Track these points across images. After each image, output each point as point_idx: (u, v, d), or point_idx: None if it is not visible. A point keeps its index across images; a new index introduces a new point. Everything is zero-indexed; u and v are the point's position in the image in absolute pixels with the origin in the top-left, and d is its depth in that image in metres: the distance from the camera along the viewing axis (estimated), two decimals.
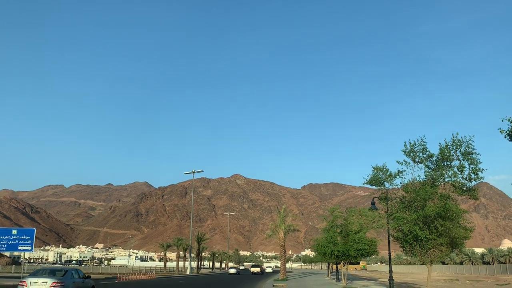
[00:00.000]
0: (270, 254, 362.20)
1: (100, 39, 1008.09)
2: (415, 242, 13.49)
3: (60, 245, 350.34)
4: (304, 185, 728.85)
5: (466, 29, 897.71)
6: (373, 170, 15.10)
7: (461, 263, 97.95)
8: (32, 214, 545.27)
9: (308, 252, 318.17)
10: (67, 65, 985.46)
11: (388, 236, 17.71)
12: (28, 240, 33.56)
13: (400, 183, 14.34)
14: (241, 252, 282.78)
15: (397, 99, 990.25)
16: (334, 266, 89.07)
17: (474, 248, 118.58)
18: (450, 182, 13.43)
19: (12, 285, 27.19)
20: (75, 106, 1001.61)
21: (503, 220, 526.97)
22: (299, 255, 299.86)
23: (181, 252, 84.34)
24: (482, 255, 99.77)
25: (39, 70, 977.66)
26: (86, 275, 20.95)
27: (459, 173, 13.14)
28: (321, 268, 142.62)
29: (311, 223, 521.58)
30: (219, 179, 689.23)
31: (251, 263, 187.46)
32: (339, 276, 34.69)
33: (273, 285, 30.34)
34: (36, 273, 18.61)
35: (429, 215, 12.70)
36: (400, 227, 13.94)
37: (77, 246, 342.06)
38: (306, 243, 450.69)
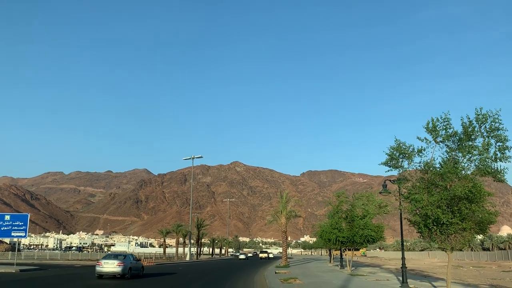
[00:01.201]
0: (269, 240, 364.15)
1: (96, 26, 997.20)
2: (435, 227, 12.25)
3: (60, 232, 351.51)
4: (303, 172, 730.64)
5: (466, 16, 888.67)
6: (390, 149, 13.75)
7: (460, 250, 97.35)
8: (32, 201, 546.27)
9: (307, 238, 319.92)
10: (66, 56, 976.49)
11: (401, 221, 16.58)
12: (21, 226, 32.44)
13: (420, 161, 13.02)
14: (241, 238, 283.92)
15: (396, 85, 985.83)
16: (337, 252, 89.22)
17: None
18: (474, 162, 12.11)
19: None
20: (74, 94, 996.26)
21: (501, 206, 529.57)
22: (298, 241, 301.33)
23: (180, 239, 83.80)
24: (482, 241, 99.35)
25: (38, 61, 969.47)
26: (137, 259, 29.59)
27: (484, 151, 11.82)
28: (321, 255, 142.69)
29: (310, 209, 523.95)
30: (218, 166, 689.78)
31: (251, 249, 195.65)
32: (343, 263, 33.80)
33: (276, 272, 29.38)
34: (106, 257, 25.70)
35: (457, 195, 11.42)
36: (418, 211, 12.69)
37: (77, 233, 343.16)
38: (305, 229, 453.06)
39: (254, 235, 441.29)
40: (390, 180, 16.94)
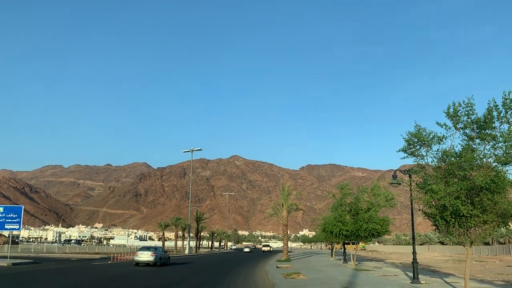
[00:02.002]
0: (268, 233, 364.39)
1: (95, 19, 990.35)
2: (453, 219, 11.25)
3: (60, 225, 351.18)
4: (303, 166, 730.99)
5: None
6: (408, 135, 12.70)
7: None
8: (31, 194, 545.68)
9: (306, 232, 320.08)
10: (65, 48, 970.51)
11: (412, 214, 15.67)
12: (15, 218, 31.46)
13: (438, 149, 11.98)
14: (240, 232, 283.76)
15: (395, 81, 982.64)
16: (339, 246, 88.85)
17: None
18: (498, 150, 11.05)
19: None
20: (73, 87, 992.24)
21: None
22: (297, 235, 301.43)
23: (180, 232, 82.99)
24: None
25: (34, 53, 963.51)
26: (165, 251, 38.29)
27: (510, 138, 10.76)
28: (321, 248, 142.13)
29: (309, 203, 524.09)
30: (218, 160, 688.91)
31: (249, 243, 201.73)
32: (346, 257, 32.89)
33: (277, 267, 28.45)
34: (142, 249, 32.10)
35: (477, 185, 10.42)
36: (434, 202, 11.70)
37: (77, 226, 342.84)
38: (304, 223, 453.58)
39: (253, 228, 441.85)
40: (401, 171, 15.98)
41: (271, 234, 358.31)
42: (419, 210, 12.69)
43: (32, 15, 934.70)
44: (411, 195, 15.81)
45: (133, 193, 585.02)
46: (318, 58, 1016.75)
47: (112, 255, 45.54)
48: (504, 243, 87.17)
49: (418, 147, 12.50)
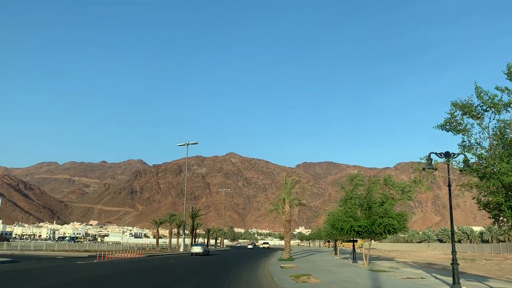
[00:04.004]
0: (264, 231, 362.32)
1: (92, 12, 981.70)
2: None
3: (54, 222, 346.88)
4: (299, 164, 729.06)
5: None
6: (452, 107, 10.04)
7: (459, 241, 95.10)
8: (26, 191, 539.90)
9: (302, 229, 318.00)
10: (62, 41, 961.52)
11: (450, 206, 13.03)
12: None
13: (494, 118, 9.30)
14: (236, 229, 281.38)
15: (389, 78, 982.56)
16: (345, 244, 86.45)
17: (472, 227, 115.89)
18: None
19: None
20: (68, 84, 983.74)
21: None
22: (293, 232, 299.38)
23: (175, 229, 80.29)
24: (481, 233, 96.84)
25: (32, 46, 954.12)
26: (207, 246, 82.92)
27: None
28: (320, 246, 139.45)
29: (305, 201, 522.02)
30: (214, 157, 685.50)
31: (246, 240, 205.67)
32: (355, 255, 30.08)
33: (281, 267, 25.63)
34: (194, 244, 55.67)
35: None
36: (497, 188, 9.01)
37: (71, 223, 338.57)
38: (300, 220, 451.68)
39: (249, 226, 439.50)
40: (436, 153, 13.27)
41: (267, 231, 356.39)
42: (474, 198, 9.96)
43: (33, 8, 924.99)
44: (449, 181, 13.11)
45: (128, 190, 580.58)
46: (314, 55, 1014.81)
47: (98, 253, 42.48)
48: (504, 241, 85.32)
49: (465, 121, 9.70)
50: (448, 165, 13.39)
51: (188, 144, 69.23)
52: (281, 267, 25.46)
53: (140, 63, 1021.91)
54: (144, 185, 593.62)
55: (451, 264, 13.32)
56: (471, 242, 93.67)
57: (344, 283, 15.66)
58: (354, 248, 31.16)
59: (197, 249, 50.21)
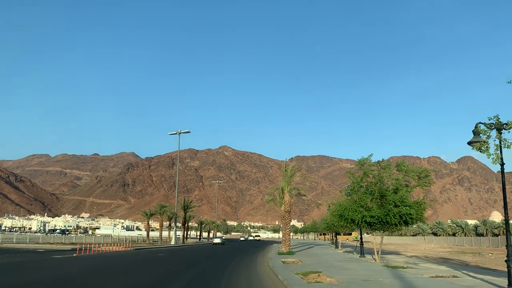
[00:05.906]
0: (257, 224, 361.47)
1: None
2: None
3: (45, 215, 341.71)
4: (292, 157, 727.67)
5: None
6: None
7: (453, 235, 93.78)
8: (17, 183, 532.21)
9: (294, 222, 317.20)
10: (59, 37, 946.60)
11: (504, 190, 10.49)
12: None
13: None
14: (228, 222, 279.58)
15: (384, 71, 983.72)
16: (346, 237, 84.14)
17: (466, 220, 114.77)
18: None
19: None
20: (60, 75, 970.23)
21: (486, 193, 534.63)
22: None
23: (166, 222, 77.50)
24: (476, 226, 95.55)
25: (28, 44, 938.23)
26: (224, 238, 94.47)
27: None
28: (315, 239, 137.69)
29: (304, 192, 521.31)
30: (206, 151, 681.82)
31: (238, 233, 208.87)
32: (363, 249, 27.53)
33: (283, 262, 23.01)
34: (214, 237, 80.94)
35: None
36: None
37: (63, 216, 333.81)
38: (293, 214, 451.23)
39: (242, 219, 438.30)
40: (483, 123, 10.64)
41: (260, 224, 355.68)
42: None
43: (31, 7, 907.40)
44: (501, 160, 10.51)
45: (120, 183, 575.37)
46: (308, 51, 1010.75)
47: (82, 246, 39.52)
48: (498, 235, 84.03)
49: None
50: (500, 139, 10.80)
51: (180, 133, 66.17)
52: (283, 262, 22.72)
53: (133, 55, 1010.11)
54: (136, 178, 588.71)
55: (505, 261, 10.77)
56: (465, 236, 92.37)
57: (366, 283, 12.96)
58: (362, 241, 28.63)
59: (217, 240, 68.09)
